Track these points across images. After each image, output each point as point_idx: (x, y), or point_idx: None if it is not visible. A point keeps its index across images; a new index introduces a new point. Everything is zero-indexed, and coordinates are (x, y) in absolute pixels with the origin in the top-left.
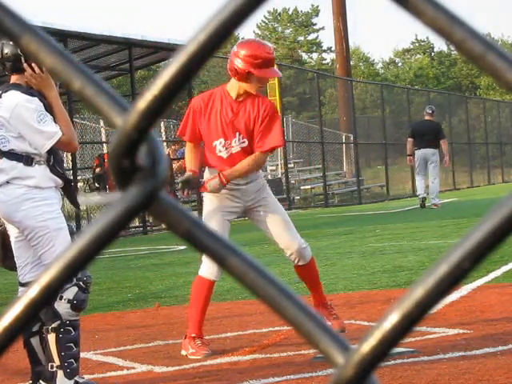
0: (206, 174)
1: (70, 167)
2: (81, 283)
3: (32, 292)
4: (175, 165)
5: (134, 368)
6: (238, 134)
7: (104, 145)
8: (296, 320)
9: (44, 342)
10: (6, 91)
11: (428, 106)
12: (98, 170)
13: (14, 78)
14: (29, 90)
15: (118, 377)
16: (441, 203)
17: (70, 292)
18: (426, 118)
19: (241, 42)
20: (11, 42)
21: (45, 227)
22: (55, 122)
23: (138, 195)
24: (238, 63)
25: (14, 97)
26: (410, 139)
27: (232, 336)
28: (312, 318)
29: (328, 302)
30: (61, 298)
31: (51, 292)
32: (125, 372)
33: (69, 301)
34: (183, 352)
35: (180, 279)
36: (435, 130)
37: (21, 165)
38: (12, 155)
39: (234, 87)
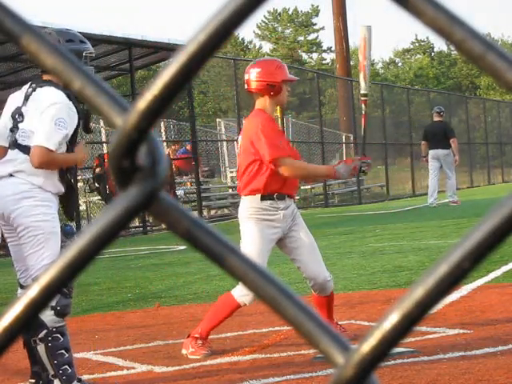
0: (248, 208)
1: None
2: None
3: (32, 292)
4: (174, 165)
5: (134, 368)
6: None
7: (104, 145)
8: (296, 320)
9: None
10: (41, 86)
11: (436, 106)
12: (98, 170)
13: (46, 76)
14: (67, 92)
15: (117, 377)
16: (459, 200)
17: None
18: (436, 118)
19: (256, 64)
20: None
21: (39, 228)
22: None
23: (138, 195)
24: (271, 78)
25: (60, 97)
26: (423, 142)
27: (232, 336)
28: (312, 317)
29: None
30: None
31: (51, 292)
32: (125, 372)
33: (52, 308)
34: (183, 351)
35: (180, 279)
36: (444, 131)
37: None
38: (28, 150)
39: (266, 107)
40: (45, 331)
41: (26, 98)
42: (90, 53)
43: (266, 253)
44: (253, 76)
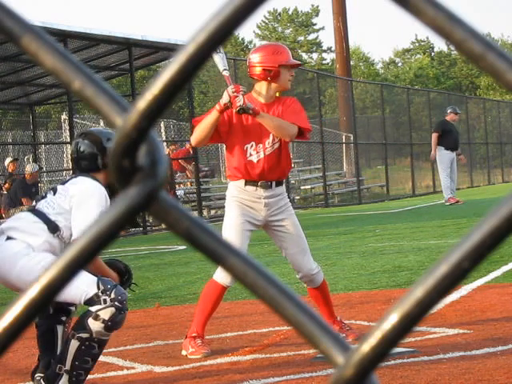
0: (231, 190)
1: (70, 167)
2: (117, 303)
3: (32, 292)
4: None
5: (134, 368)
6: (271, 135)
7: None
8: (296, 320)
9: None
10: (87, 176)
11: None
12: None
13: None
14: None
15: (117, 377)
16: (451, 198)
17: (107, 313)
18: None
19: (255, 49)
20: (86, 140)
21: None
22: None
23: (138, 195)
24: (267, 64)
25: (101, 188)
26: None
27: (232, 336)
28: (312, 318)
29: (338, 317)
30: (96, 318)
31: (51, 292)
32: (125, 372)
33: (104, 321)
34: (183, 352)
35: (180, 279)
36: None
37: (45, 227)
38: (44, 216)
39: (263, 91)
40: (87, 335)
41: (64, 182)
42: None
43: (246, 232)
44: (251, 61)
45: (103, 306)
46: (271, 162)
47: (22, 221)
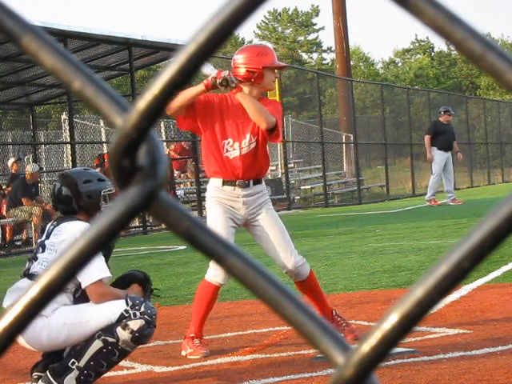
0: (210, 191)
1: (70, 167)
2: (146, 317)
3: (32, 292)
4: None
5: (134, 368)
6: (248, 135)
7: (104, 145)
8: (296, 320)
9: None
10: (69, 220)
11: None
12: (97, 170)
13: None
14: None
15: (117, 377)
16: (432, 200)
17: (136, 323)
18: None
19: (240, 50)
20: (62, 183)
21: (68, 323)
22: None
23: (138, 195)
24: (251, 65)
25: (87, 224)
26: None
27: (232, 336)
28: (312, 318)
29: (333, 310)
30: (125, 327)
31: (51, 292)
32: (125, 372)
33: (132, 331)
34: (183, 352)
35: (180, 279)
36: None
37: None
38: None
39: (246, 91)
40: (113, 340)
41: (48, 234)
42: (109, 190)
43: (231, 229)
44: (236, 62)
45: (133, 318)
46: (247, 161)
47: (22, 292)
